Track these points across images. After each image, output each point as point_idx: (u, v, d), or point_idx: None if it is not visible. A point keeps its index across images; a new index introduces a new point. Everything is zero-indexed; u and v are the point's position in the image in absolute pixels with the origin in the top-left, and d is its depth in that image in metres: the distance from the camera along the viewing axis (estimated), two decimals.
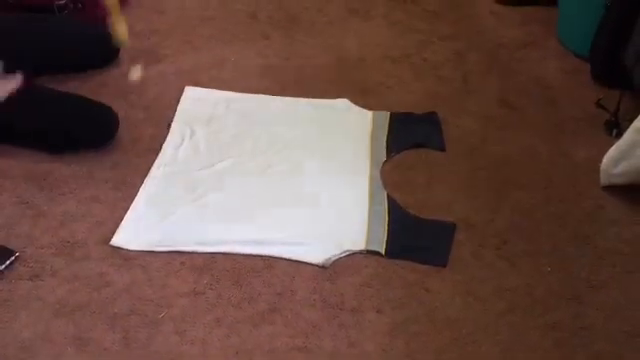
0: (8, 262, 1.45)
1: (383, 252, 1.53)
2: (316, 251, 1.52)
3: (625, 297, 1.46)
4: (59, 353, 1.30)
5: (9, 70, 1.77)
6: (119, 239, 1.52)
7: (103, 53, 2.07)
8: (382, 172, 1.76)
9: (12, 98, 1.70)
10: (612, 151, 1.68)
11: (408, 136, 1.89)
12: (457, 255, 1.54)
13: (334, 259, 1.51)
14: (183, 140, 1.83)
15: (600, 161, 1.71)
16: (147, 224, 1.56)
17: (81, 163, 1.74)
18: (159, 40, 2.27)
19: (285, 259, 1.50)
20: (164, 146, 1.81)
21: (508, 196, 1.71)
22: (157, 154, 1.78)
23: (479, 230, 1.61)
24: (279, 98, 2.04)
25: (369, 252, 1.53)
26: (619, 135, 1.76)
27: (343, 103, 2.02)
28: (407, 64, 2.23)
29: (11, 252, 1.47)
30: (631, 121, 1.63)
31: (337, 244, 1.54)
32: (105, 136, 1.80)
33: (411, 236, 1.58)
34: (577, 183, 1.76)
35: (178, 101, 1.98)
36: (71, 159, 1.74)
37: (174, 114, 1.93)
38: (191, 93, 2.01)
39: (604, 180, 1.72)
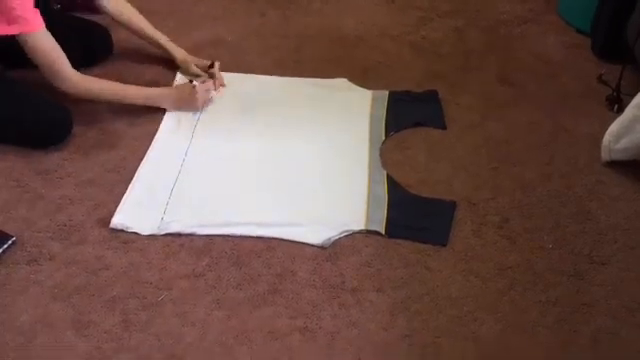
0: (5, 246, 1.45)
1: (383, 232, 1.52)
2: (316, 232, 1.51)
3: (626, 273, 1.45)
4: (58, 337, 1.29)
5: None
6: (117, 222, 1.51)
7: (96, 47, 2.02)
8: (382, 151, 1.75)
9: None
10: (613, 127, 1.66)
11: (408, 115, 1.87)
12: (458, 234, 1.53)
13: (334, 239, 1.50)
14: (180, 123, 1.81)
15: (601, 137, 1.70)
16: (145, 207, 1.55)
17: (78, 146, 1.73)
18: (156, 21, 2.23)
19: (285, 240, 1.50)
20: (160, 128, 1.79)
21: (509, 173, 1.70)
22: (153, 137, 1.76)
23: (480, 208, 1.59)
24: (277, 78, 2.01)
25: (369, 232, 1.52)
26: (620, 110, 1.75)
27: (342, 82, 2.00)
28: (406, 42, 2.20)
29: (8, 236, 1.47)
30: (633, 96, 1.61)
31: (337, 224, 1.52)
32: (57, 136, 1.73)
33: (411, 215, 1.57)
34: (578, 159, 1.74)
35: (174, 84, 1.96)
36: (67, 143, 1.73)
37: None
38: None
39: (605, 156, 1.70)
